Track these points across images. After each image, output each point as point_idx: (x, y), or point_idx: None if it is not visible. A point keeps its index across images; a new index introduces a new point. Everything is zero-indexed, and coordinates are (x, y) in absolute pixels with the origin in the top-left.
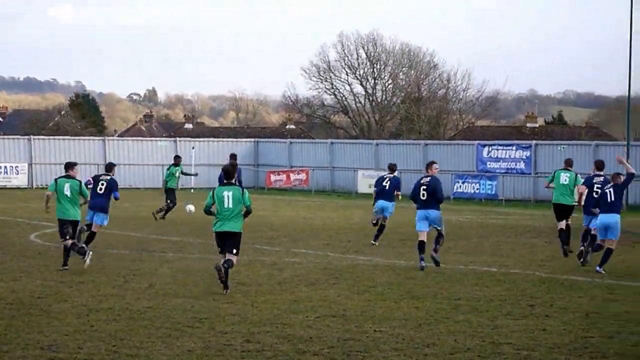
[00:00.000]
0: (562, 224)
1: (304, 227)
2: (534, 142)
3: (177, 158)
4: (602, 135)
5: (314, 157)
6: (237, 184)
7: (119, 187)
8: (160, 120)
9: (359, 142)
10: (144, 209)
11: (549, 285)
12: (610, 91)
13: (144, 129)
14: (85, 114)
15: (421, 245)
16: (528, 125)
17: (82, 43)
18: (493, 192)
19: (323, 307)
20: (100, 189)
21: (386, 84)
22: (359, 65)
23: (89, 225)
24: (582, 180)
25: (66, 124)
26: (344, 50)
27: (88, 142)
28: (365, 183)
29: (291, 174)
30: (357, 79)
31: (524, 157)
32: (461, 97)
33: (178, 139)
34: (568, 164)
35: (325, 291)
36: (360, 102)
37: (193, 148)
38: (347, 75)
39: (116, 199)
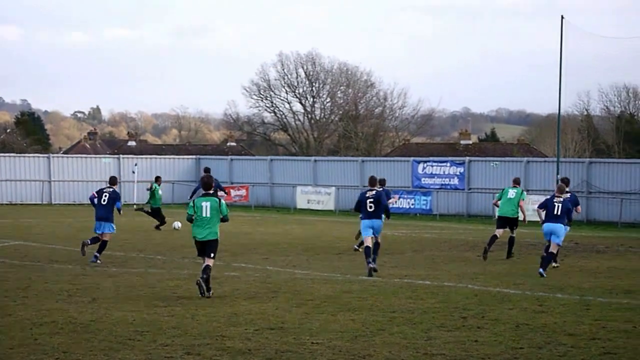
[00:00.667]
0: (499, 232)
1: (243, 241)
2: (468, 158)
3: (158, 178)
4: (533, 152)
5: (254, 173)
6: (214, 194)
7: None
8: (104, 138)
9: (297, 159)
10: (88, 224)
11: (481, 297)
12: (542, 109)
13: (88, 146)
14: (30, 131)
15: (367, 250)
16: (462, 142)
17: (27, 62)
18: (428, 207)
19: (262, 320)
20: (104, 200)
21: (325, 102)
22: (298, 84)
23: (95, 238)
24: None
25: (12, 142)
26: (283, 70)
27: (33, 159)
28: (303, 199)
29: (232, 190)
30: (297, 97)
31: (457, 173)
32: (397, 115)
33: (121, 156)
34: (516, 182)
35: (264, 304)
36: (300, 120)
37: (136, 165)
38: (287, 93)
39: (118, 209)
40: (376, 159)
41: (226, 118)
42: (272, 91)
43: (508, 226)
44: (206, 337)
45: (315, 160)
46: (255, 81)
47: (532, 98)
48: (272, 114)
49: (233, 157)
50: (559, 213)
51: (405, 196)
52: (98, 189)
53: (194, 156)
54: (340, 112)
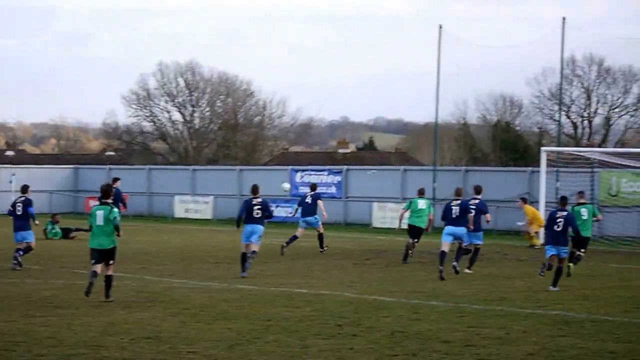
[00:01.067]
0: (411, 241)
1: (120, 250)
2: (345, 167)
3: (55, 215)
4: (410, 160)
5: (132, 182)
6: (111, 202)
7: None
8: None
9: (176, 168)
10: None
11: (357, 305)
12: (419, 118)
13: None
14: None
15: (244, 256)
16: (340, 151)
17: None
18: None
19: (138, 329)
20: (19, 211)
21: (204, 112)
22: (177, 93)
23: (28, 248)
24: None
25: None
26: (163, 79)
27: None
28: (182, 208)
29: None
30: (176, 106)
31: (335, 181)
32: (276, 123)
33: None
34: (421, 192)
35: (141, 314)
36: (179, 129)
37: (14, 175)
38: (167, 102)
39: (31, 215)
40: (254, 167)
41: (105, 127)
42: (152, 100)
43: (417, 235)
44: (82, 347)
45: (194, 170)
46: (134, 90)
47: (410, 107)
48: (152, 123)
49: (112, 166)
50: (457, 216)
51: (283, 205)
52: (13, 201)
53: (72, 165)
54: (220, 121)
